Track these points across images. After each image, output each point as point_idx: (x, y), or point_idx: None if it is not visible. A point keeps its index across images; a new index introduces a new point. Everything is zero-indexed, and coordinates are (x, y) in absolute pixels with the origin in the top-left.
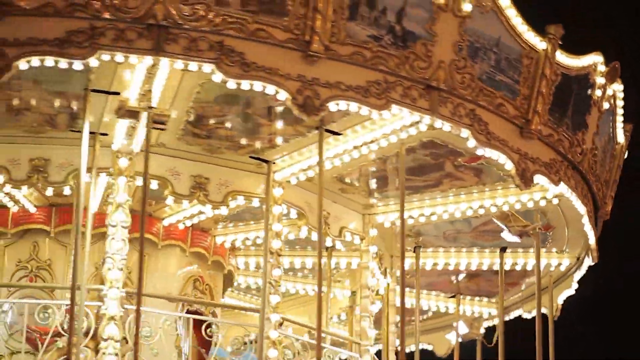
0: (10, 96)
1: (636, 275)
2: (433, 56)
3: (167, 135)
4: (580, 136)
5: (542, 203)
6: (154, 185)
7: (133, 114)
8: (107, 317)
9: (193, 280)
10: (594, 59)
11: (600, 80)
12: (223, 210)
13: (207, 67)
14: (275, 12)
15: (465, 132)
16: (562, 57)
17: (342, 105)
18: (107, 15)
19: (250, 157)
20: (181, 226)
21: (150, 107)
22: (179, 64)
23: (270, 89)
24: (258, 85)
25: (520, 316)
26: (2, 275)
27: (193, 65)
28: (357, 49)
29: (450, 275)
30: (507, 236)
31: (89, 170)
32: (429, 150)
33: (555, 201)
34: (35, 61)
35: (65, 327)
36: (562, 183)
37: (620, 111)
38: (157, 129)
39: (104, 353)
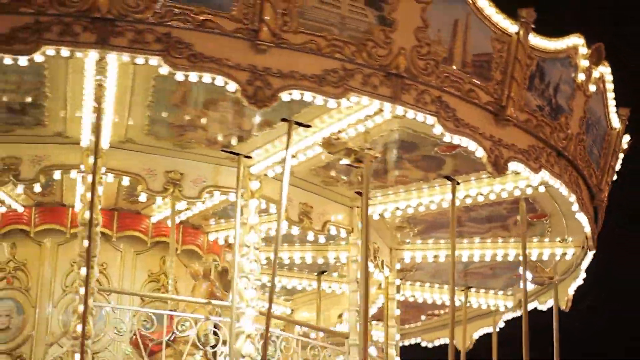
0: (203, 114)
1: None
2: (570, 129)
3: (302, 167)
4: None
5: (568, 256)
6: (272, 209)
7: (348, 152)
8: (245, 335)
9: None
10: (575, 41)
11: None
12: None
13: (431, 119)
14: (483, 76)
15: (573, 197)
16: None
17: (514, 166)
18: (359, 60)
19: (355, 192)
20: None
21: (369, 149)
22: (410, 113)
23: (472, 146)
24: (465, 142)
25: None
26: (55, 274)
27: (420, 116)
28: (529, 116)
29: None
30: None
31: (223, 189)
32: (513, 205)
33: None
34: (296, 94)
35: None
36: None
37: (610, 95)
38: (356, 167)
39: None
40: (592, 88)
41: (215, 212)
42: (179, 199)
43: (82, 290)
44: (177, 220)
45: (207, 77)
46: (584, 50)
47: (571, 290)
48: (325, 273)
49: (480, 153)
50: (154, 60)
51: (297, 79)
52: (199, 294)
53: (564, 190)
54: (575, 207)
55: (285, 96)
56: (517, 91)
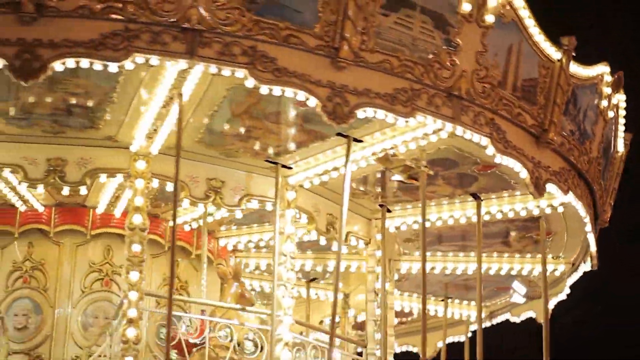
0: (261, 126)
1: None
2: (591, 153)
3: (339, 180)
4: None
5: (557, 273)
6: (304, 219)
7: (405, 169)
8: (283, 342)
9: None
10: (602, 69)
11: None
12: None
13: (485, 141)
14: (530, 100)
15: (587, 218)
16: None
17: (548, 187)
18: (426, 81)
19: (379, 205)
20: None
21: (425, 166)
22: (467, 134)
23: (517, 167)
24: (512, 163)
25: None
26: (73, 275)
27: (475, 137)
28: (564, 140)
29: None
30: (517, 298)
31: (260, 198)
32: (523, 223)
33: None
34: (369, 111)
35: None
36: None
37: (622, 120)
38: (411, 184)
39: None
40: (611, 114)
41: (231, 219)
42: (220, 207)
43: (132, 295)
44: (195, 226)
45: (289, 92)
46: (608, 78)
47: (551, 305)
48: (315, 280)
49: (524, 174)
50: (240, 73)
51: (370, 97)
52: (229, 296)
53: (582, 211)
54: (588, 227)
55: (360, 113)
56: (558, 116)
